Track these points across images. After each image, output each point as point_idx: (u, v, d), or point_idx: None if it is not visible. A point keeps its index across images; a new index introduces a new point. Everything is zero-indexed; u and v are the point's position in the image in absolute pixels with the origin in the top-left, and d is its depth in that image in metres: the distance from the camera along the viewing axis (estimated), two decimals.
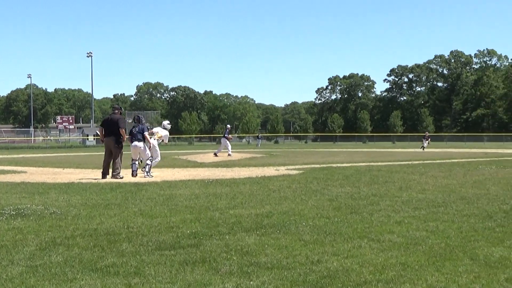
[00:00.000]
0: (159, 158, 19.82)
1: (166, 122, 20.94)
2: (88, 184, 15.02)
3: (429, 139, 55.50)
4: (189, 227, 8.12)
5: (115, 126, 17.53)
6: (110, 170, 17.36)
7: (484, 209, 9.71)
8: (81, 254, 6.45)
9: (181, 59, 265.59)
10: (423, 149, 50.20)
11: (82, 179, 17.11)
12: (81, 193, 12.81)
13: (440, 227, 8.01)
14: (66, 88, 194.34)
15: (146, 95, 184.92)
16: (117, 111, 18.23)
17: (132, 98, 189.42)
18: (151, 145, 18.87)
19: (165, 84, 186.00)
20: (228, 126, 40.99)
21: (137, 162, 18.11)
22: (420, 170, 19.57)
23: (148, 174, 17.63)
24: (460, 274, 5.49)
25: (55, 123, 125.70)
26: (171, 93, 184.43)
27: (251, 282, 5.27)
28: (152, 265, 5.90)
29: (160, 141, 19.97)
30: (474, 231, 7.67)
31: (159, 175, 18.34)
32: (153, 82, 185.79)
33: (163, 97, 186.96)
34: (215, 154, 34.93)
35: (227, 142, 36.35)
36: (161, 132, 20.02)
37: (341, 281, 5.31)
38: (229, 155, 34.49)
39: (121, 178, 16.96)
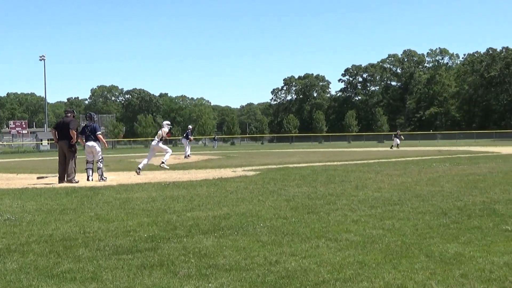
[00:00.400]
0: (170, 151, 22.05)
1: (165, 122, 22.68)
2: (43, 189, 14.80)
3: (401, 137, 55.06)
4: (146, 230, 8.07)
5: (67, 129, 17.37)
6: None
7: (439, 206, 9.84)
8: (36, 260, 6.35)
9: (136, 61, 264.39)
10: (398, 147, 50.46)
11: (36, 184, 16.86)
12: (35, 198, 12.61)
13: (396, 225, 8.10)
14: (19, 92, 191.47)
15: (101, 98, 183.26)
16: (69, 114, 18.04)
17: (86, 102, 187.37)
18: (157, 146, 21.20)
19: (120, 87, 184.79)
20: (190, 126, 40.79)
21: (91, 165, 17.92)
22: (376, 168, 19.76)
23: (101, 178, 17.52)
24: (416, 271, 5.56)
25: (8, 128, 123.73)
26: (126, 96, 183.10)
27: (210, 285, 5.26)
28: (109, 269, 5.85)
29: (159, 139, 21.35)
30: (429, 228, 7.77)
31: (115, 178, 18.18)
32: (107, 85, 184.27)
33: (118, 100, 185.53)
34: (186, 157, 34.67)
35: (188, 143, 36.24)
36: (160, 131, 21.63)
37: (300, 281, 5.33)
38: (186, 157, 34.34)
39: (76, 182, 16.77)
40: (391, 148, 50.72)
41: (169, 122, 23.03)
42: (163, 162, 21.87)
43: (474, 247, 6.53)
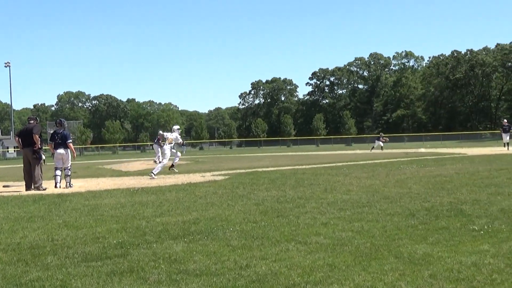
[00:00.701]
0: (166, 161, 22.00)
1: (176, 127, 23.30)
2: (10, 197, 14.63)
3: (386, 140, 55.35)
4: (116, 237, 8.02)
5: (31, 135, 17.20)
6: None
7: (407, 208, 9.93)
8: (4, 269, 6.27)
9: (102, 66, 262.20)
10: (382, 149, 50.84)
11: (3, 192, 16.65)
12: (2, 206, 12.46)
13: (365, 227, 8.15)
14: None
15: (68, 105, 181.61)
16: (32, 121, 17.86)
17: (53, 108, 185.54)
18: (163, 150, 22.13)
19: (86, 93, 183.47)
20: (161, 132, 40.52)
21: (59, 172, 17.74)
22: (344, 171, 19.87)
23: (69, 184, 17.39)
24: (386, 272, 5.61)
25: None
26: (93, 102, 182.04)
27: None
28: (78, 277, 5.80)
29: (173, 144, 22.43)
30: (398, 230, 7.84)
31: (84, 185, 18.04)
32: (74, 91, 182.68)
33: (85, 106, 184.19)
34: (156, 161, 34.46)
35: (159, 149, 36.05)
36: (170, 135, 22.27)
37: (270, 284, 5.34)
38: (155, 162, 34.15)
39: (44, 189, 16.59)
40: (371, 150, 51.12)
41: (178, 127, 23.66)
42: (153, 173, 21.12)
43: (442, 248, 6.61)
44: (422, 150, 47.50)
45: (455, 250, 6.47)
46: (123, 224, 9.13)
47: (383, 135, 57.34)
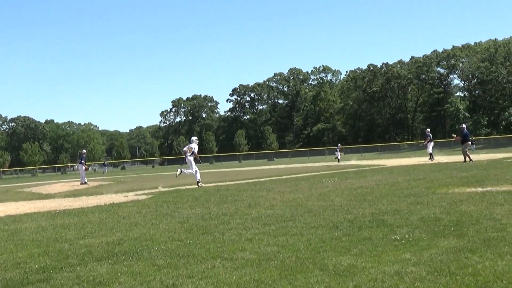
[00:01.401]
0: (195, 167, 23.74)
1: (194, 138, 25.48)
2: None
3: (342, 152, 57.47)
4: (37, 261, 7.82)
5: None
6: None
7: (330, 220, 10.04)
8: None
9: (19, 88, 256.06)
10: (338, 161, 51.97)
11: None
12: None
13: (290, 241, 8.21)
14: None
15: None
16: None
17: None
18: (188, 160, 23.85)
19: (3, 115, 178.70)
20: (84, 151, 39.79)
21: None
22: (267, 186, 19.96)
23: None
24: (312, 285, 5.66)
25: None
26: (10, 124, 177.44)
27: None
28: None
29: (191, 153, 24.00)
30: (322, 242, 7.92)
31: (2, 209, 17.51)
32: None
33: (2, 129, 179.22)
34: (83, 183, 33.81)
35: (83, 168, 35.45)
36: (191, 145, 24.45)
37: None
38: (82, 183, 33.60)
39: None
40: (338, 161, 52.54)
41: (196, 137, 25.72)
42: (199, 181, 23.27)
43: (366, 258, 6.72)
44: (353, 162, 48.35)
45: (378, 260, 6.59)
46: (45, 248, 8.92)
47: (340, 146, 59.18)
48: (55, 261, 7.79)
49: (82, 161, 35.86)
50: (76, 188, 29.84)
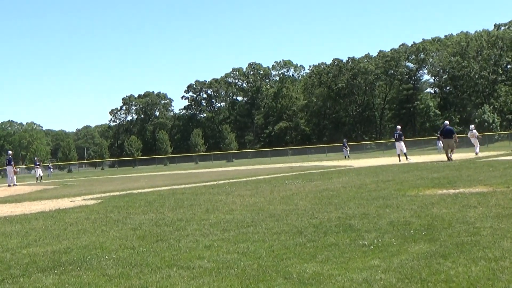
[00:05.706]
0: None
1: None
2: None
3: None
4: None
5: None
6: None
7: (294, 225, 10.06)
8: None
9: None
10: (348, 158, 52.80)
11: None
12: None
13: (251, 247, 8.21)
14: None
15: None
16: None
17: None
18: None
19: None
20: (10, 152, 39.39)
21: None
22: (226, 189, 19.96)
23: None
24: None
25: None
26: None
27: None
28: None
29: None
30: (285, 249, 7.94)
31: None
32: None
33: None
34: (10, 185, 33.47)
35: (12, 170, 35.14)
36: None
37: None
38: (9, 185, 33.26)
39: None
40: (348, 158, 53.52)
41: None
42: None
43: (332, 265, 6.74)
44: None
45: (345, 267, 6.62)
46: None
47: (346, 142, 60.22)
48: None
49: (11, 163, 35.63)
50: (18, 193, 29.45)
